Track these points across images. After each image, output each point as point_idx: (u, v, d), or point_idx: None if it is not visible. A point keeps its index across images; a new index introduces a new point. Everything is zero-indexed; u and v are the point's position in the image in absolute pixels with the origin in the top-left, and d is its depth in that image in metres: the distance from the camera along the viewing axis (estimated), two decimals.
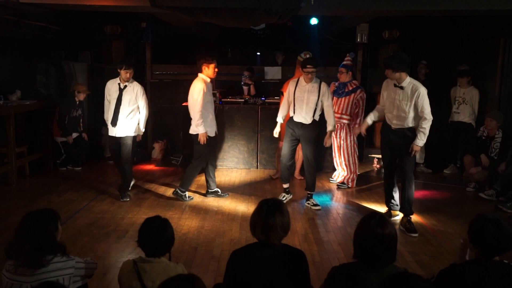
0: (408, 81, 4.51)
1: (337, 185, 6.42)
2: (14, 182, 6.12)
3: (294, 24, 8.18)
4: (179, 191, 5.58)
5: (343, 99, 6.17)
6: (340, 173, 6.53)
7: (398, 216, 4.97)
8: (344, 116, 6.19)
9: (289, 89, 5.40)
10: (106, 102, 5.61)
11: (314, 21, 8.04)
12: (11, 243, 2.34)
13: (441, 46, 8.40)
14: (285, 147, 5.47)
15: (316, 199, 5.55)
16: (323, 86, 5.26)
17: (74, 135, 7.02)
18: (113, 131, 5.52)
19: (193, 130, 5.47)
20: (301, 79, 5.31)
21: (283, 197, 5.61)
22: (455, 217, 5.14)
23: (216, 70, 5.44)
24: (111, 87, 5.50)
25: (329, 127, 5.35)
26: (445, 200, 5.87)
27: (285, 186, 5.63)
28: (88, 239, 4.35)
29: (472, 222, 2.43)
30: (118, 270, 2.49)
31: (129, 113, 5.48)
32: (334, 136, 6.22)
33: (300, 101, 5.27)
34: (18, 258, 2.30)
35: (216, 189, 5.80)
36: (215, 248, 4.22)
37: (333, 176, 6.67)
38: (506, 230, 2.32)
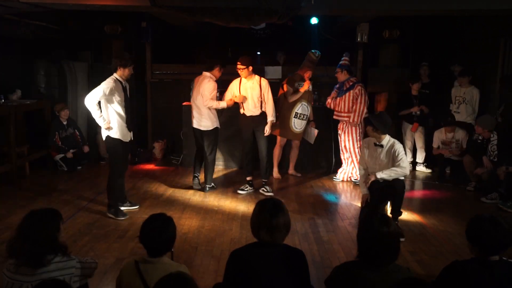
0: (387, 140, 4.61)
1: (354, 182, 6.46)
2: (14, 182, 6.11)
3: (294, 23, 8.18)
4: (207, 187, 5.94)
5: (342, 97, 6.33)
6: (347, 170, 6.56)
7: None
8: (343, 114, 6.38)
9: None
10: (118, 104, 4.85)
11: (314, 20, 8.04)
12: (12, 243, 2.34)
13: (441, 46, 8.40)
14: (247, 143, 5.94)
15: (268, 187, 5.92)
16: (263, 81, 5.80)
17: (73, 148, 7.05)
18: (129, 136, 5.06)
19: (208, 125, 5.77)
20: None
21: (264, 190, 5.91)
22: (455, 217, 5.13)
23: None
24: (117, 87, 4.82)
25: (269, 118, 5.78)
26: (445, 200, 5.87)
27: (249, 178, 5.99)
28: (88, 239, 4.35)
29: (469, 223, 2.45)
30: (118, 270, 2.49)
31: None
32: (339, 134, 6.48)
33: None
34: (19, 257, 2.31)
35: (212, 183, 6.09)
36: (215, 247, 4.22)
37: (337, 174, 6.67)
38: (503, 227, 2.34)
